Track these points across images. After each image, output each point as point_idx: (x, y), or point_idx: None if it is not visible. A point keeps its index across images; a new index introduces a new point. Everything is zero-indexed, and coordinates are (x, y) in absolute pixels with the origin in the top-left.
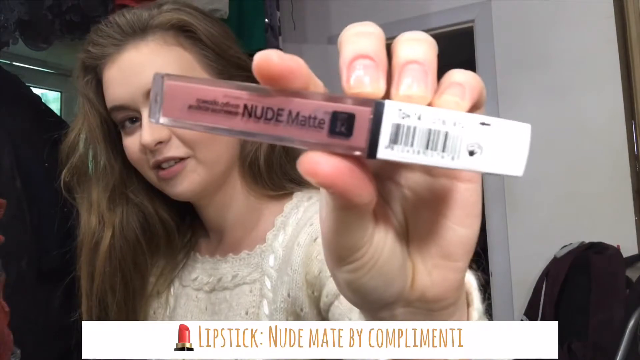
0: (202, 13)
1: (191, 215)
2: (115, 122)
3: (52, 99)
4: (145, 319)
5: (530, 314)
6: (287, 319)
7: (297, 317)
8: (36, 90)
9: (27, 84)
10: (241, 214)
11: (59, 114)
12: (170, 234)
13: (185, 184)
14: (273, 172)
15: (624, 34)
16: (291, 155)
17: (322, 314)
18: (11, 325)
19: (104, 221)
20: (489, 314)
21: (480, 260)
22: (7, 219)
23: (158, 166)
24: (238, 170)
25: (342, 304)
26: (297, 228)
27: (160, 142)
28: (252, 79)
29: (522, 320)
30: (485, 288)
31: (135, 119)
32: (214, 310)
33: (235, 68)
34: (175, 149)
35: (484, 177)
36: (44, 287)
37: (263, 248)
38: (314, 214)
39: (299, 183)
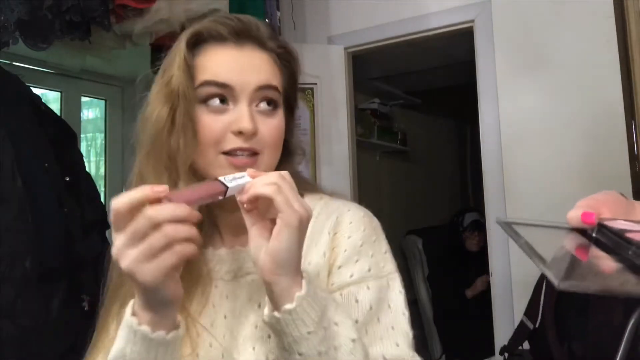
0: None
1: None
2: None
3: (52, 99)
4: None
5: (530, 314)
6: None
7: None
8: (36, 90)
9: (27, 84)
10: None
11: (59, 114)
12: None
13: None
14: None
15: (624, 34)
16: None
17: None
18: (17, 323)
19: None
20: (489, 313)
21: None
22: (9, 220)
23: (228, 153)
24: None
25: (340, 299)
26: (317, 222)
27: (254, 133)
28: (294, 111)
29: (522, 320)
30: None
31: (225, 101)
32: (235, 295)
33: (294, 103)
34: (255, 143)
35: (484, 174)
36: (46, 286)
37: None
38: (332, 213)
39: (309, 190)
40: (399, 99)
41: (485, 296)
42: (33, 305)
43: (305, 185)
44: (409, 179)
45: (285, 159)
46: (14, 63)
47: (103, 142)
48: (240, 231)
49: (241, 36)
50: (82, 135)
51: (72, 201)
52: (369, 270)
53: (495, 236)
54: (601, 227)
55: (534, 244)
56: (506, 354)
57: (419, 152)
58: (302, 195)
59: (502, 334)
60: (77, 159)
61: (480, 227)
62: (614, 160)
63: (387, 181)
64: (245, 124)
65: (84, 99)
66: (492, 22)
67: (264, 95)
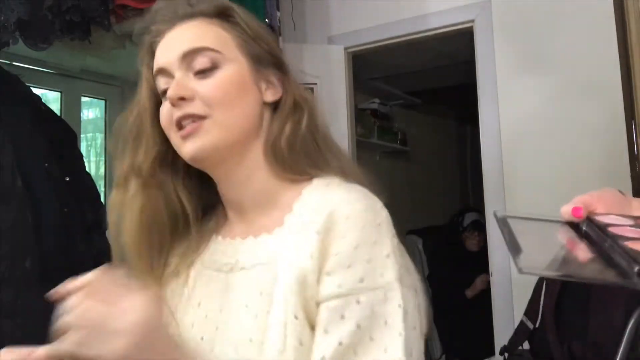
0: (245, 12)
1: (214, 202)
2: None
3: (52, 99)
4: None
5: (530, 314)
6: (298, 302)
7: (305, 301)
8: (36, 90)
9: (27, 84)
10: (260, 192)
11: (59, 114)
12: (186, 219)
13: (199, 142)
14: (295, 156)
15: (624, 34)
16: (317, 141)
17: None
18: (17, 323)
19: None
20: (489, 313)
21: None
22: (9, 220)
23: (180, 127)
24: (262, 150)
25: (325, 313)
26: (313, 214)
27: (182, 98)
28: (283, 67)
29: (522, 320)
30: None
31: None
32: (232, 290)
33: (269, 55)
34: (195, 107)
35: (484, 174)
36: (47, 287)
37: (281, 231)
38: (327, 205)
39: (321, 168)
40: (399, 99)
41: (485, 296)
42: (33, 305)
43: (317, 163)
44: (409, 179)
45: (277, 118)
46: (14, 63)
47: (103, 142)
48: (245, 218)
49: (175, 20)
50: (82, 135)
51: (72, 201)
52: (362, 280)
53: (495, 236)
54: (590, 221)
55: (528, 235)
56: (506, 354)
57: (419, 152)
58: (310, 178)
59: (502, 334)
60: (77, 159)
61: (480, 227)
62: (614, 160)
63: (387, 181)
64: (168, 92)
65: (84, 99)
66: (492, 22)
67: (194, 59)
